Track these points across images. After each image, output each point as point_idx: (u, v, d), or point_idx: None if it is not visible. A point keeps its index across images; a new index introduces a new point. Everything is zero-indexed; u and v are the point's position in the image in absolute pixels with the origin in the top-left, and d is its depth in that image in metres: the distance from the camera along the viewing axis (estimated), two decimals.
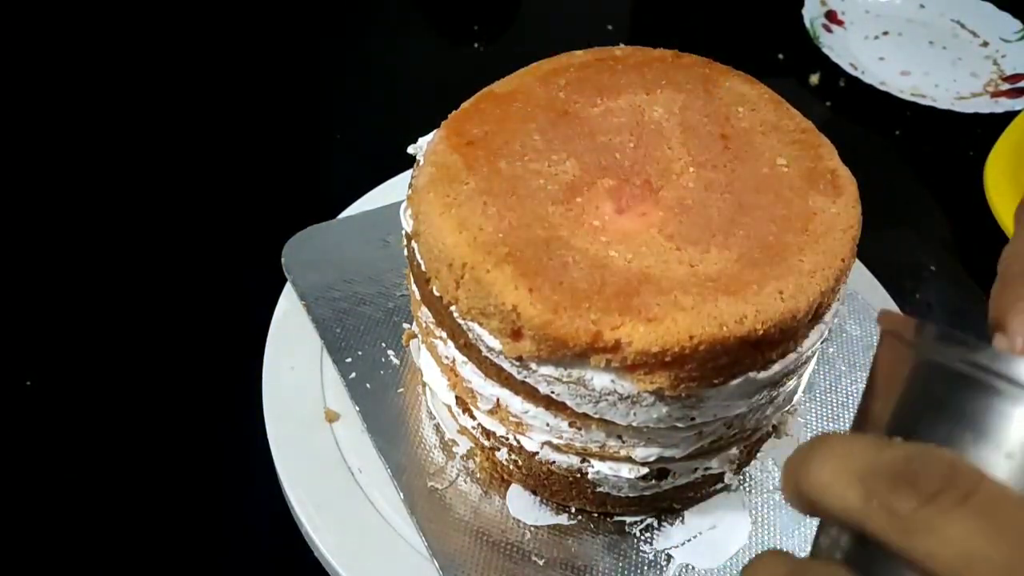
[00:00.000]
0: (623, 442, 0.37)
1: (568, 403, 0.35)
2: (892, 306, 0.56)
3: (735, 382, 0.34)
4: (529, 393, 0.36)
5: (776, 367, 0.35)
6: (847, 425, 0.49)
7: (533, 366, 0.34)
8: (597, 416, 0.35)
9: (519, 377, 0.35)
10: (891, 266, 0.60)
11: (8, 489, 0.48)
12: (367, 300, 0.52)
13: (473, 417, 0.41)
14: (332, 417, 0.47)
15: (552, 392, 0.35)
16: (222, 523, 0.48)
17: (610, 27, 0.89)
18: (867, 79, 0.80)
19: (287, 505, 0.44)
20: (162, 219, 0.64)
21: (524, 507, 0.44)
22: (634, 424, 0.35)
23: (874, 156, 0.77)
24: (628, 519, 0.44)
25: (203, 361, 0.55)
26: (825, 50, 0.83)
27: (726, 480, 0.42)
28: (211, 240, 0.63)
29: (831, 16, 0.89)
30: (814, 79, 0.84)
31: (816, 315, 0.35)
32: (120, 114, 0.73)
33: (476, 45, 0.84)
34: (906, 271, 0.66)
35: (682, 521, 0.44)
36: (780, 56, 0.87)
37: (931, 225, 0.71)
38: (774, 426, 0.45)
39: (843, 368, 0.52)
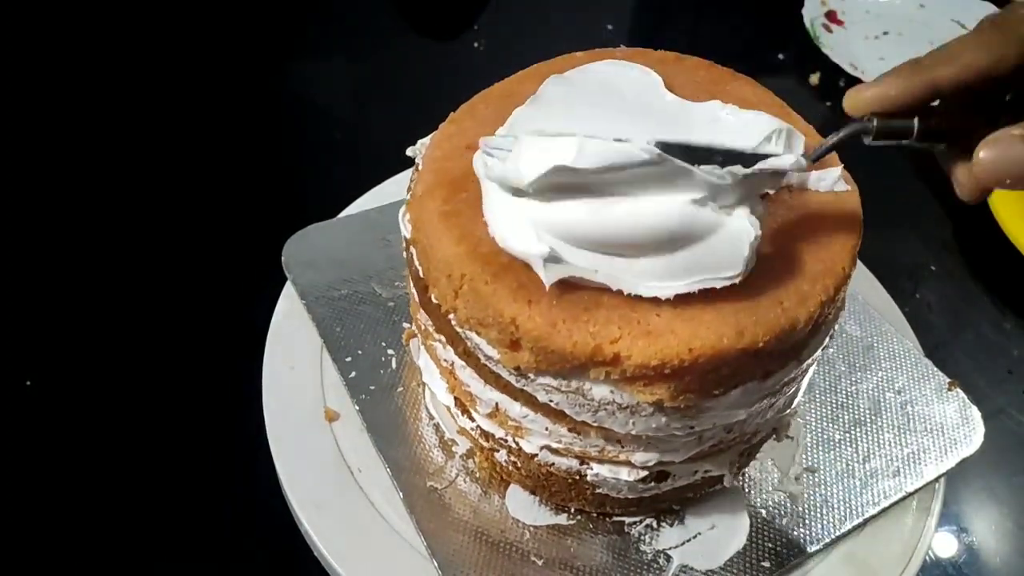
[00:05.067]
0: (622, 447, 0.37)
1: (567, 411, 0.35)
2: (892, 306, 0.56)
3: (735, 392, 0.34)
4: (528, 400, 0.36)
5: (777, 377, 0.35)
6: (847, 425, 0.49)
7: (531, 376, 0.34)
8: (596, 424, 0.35)
9: (518, 385, 0.35)
10: (891, 266, 0.60)
11: (8, 489, 0.48)
12: (367, 299, 0.52)
13: (472, 419, 0.41)
14: (332, 416, 0.47)
15: (551, 401, 0.35)
16: (222, 522, 0.48)
17: (610, 27, 0.89)
18: (867, 79, 0.80)
19: (287, 504, 0.44)
20: (163, 219, 0.64)
21: (523, 507, 0.44)
22: (633, 432, 0.35)
23: (874, 156, 0.76)
24: (627, 519, 0.44)
25: (203, 360, 0.55)
26: (825, 50, 0.83)
27: (725, 482, 0.42)
28: (212, 239, 0.63)
29: (831, 16, 0.89)
30: (814, 79, 0.84)
31: (817, 324, 0.35)
32: (121, 116, 0.73)
33: (476, 45, 0.84)
34: (906, 271, 0.66)
35: (681, 522, 0.44)
36: (780, 56, 0.87)
37: (931, 225, 0.72)
38: (774, 428, 0.45)
39: (843, 368, 0.52)
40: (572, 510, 0.44)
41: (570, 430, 0.37)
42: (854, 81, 0.80)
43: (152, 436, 0.51)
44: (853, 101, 0.32)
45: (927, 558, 0.45)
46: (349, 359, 0.49)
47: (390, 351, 0.50)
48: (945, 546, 0.51)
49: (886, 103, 0.32)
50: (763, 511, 0.45)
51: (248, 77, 0.78)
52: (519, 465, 0.42)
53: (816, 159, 0.33)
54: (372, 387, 0.48)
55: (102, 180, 0.67)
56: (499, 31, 0.87)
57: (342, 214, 0.58)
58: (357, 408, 0.46)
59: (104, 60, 0.78)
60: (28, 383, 0.53)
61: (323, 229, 0.56)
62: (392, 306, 0.52)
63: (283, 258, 0.53)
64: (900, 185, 0.75)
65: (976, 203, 0.33)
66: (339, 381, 0.48)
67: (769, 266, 0.34)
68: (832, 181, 0.38)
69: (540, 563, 0.41)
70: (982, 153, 0.30)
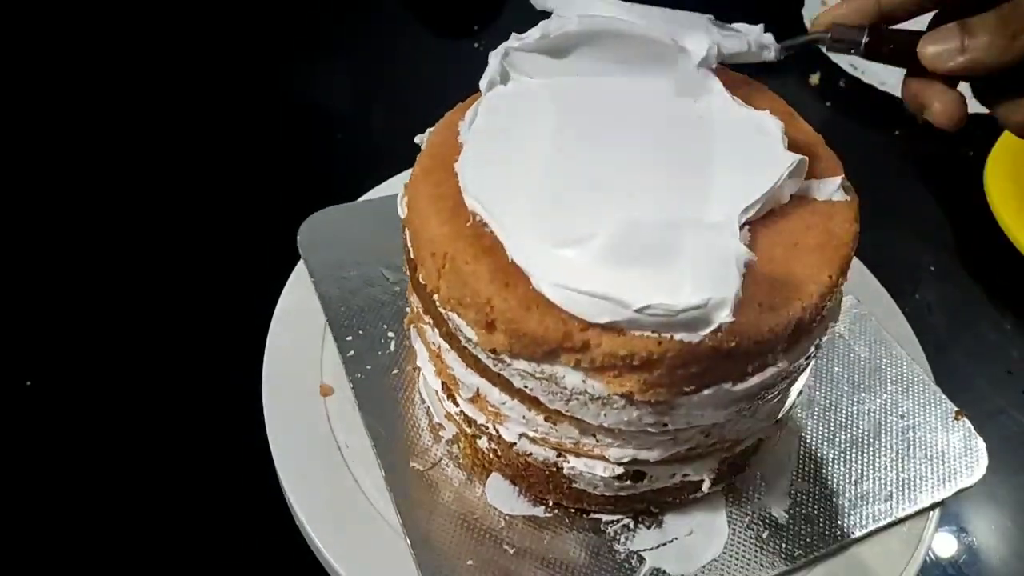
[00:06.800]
0: (597, 440, 0.37)
1: (541, 399, 0.35)
2: (892, 306, 0.55)
3: (707, 392, 0.34)
4: (505, 385, 0.36)
5: (753, 380, 0.35)
6: (843, 444, 0.48)
7: (507, 359, 0.34)
8: (569, 414, 0.35)
9: (495, 369, 0.35)
10: (891, 266, 0.59)
11: (8, 489, 0.48)
12: (375, 282, 0.53)
13: (456, 404, 0.42)
14: (327, 391, 0.48)
15: (525, 387, 0.35)
16: (220, 512, 0.49)
17: None
18: (867, 79, 0.79)
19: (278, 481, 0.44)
20: (166, 214, 0.65)
21: (502, 496, 0.44)
22: (605, 425, 0.35)
23: (874, 156, 0.75)
24: (604, 517, 0.44)
25: (207, 357, 0.55)
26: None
27: (704, 488, 0.42)
28: (227, 220, 0.64)
29: None
30: (814, 79, 0.83)
31: (798, 331, 0.34)
32: (128, 114, 0.74)
33: (476, 45, 0.84)
34: (906, 271, 0.65)
35: (659, 525, 0.44)
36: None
37: (931, 225, 0.70)
38: (759, 440, 0.44)
39: (846, 388, 0.51)
40: (550, 503, 0.44)
41: (546, 419, 0.37)
42: (854, 81, 0.79)
43: (152, 432, 0.51)
44: (814, 20, 0.39)
45: (927, 558, 0.44)
46: (350, 338, 0.50)
47: (390, 334, 0.51)
48: (945, 546, 0.50)
49: (840, 21, 0.38)
50: (744, 521, 0.44)
51: (256, 78, 0.80)
52: (499, 453, 0.42)
53: (776, 59, 0.39)
54: (368, 367, 0.49)
55: (104, 178, 0.68)
56: (499, 31, 0.88)
57: (361, 198, 0.59)
58: (351, 385, 0.47)
59: (116, 53, 0.79)
60: (28, 383, 0.53)
61: (340, 211, 0.57)
62: (398, 290, 0.53)
63: (299, 237, 0.54)
64: (900, 185, 0.74)
65: (954, 128, 0.37)
66: (338, 358, 0.49)
67: (753, 268, 0.33)
68: (832, 190, 0.37)
69: (512, 552, 0.42)
70: (929, 48, 0.36)
